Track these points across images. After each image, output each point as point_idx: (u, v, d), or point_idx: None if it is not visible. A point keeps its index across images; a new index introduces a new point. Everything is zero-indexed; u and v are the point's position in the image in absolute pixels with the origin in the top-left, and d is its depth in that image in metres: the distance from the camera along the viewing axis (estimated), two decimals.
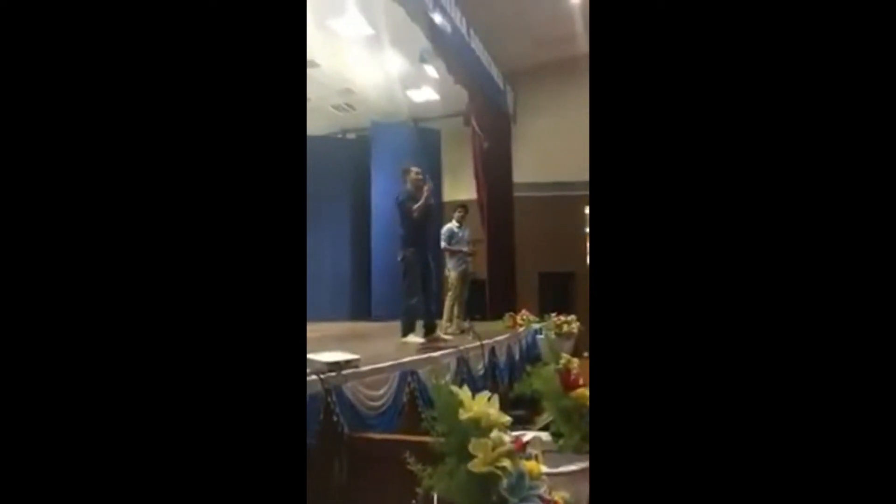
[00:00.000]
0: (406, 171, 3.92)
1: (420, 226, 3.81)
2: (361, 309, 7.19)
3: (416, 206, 3.73)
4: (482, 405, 1.03)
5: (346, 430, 2.15)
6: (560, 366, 1.80)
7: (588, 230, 8.86)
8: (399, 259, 3.82)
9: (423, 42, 5.46)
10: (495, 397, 1.11)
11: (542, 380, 1.69)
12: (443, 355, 3.34)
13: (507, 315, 5.82)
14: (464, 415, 1.00)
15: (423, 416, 1.05)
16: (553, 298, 7.45)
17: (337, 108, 7.64)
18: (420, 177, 3.90)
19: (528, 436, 1.78)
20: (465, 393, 1.05)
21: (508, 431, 1.14)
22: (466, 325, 4.71)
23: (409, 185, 3.86)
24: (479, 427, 1.01)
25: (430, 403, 1.12)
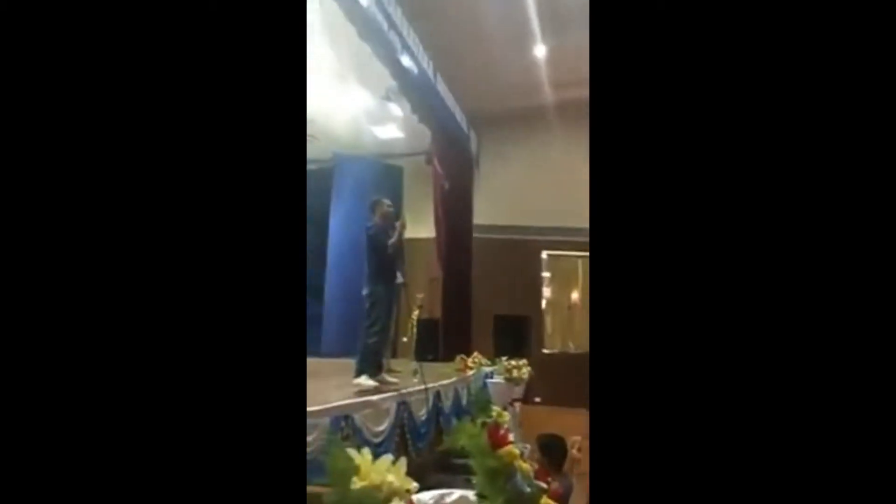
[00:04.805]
0: (377, 203, 3.75)
1: (391, 262, 3.64)
2: (312, 344, 6.91)
3: (390, 241, 3.56)
4: (382, 472, 0.94)
5: None
6: (490, 420, 1.73)
7: (546, 275, 8.95)
8: (365, 294, 3.61)
9: (388, 81, 5.51)
10: (402, 461, 1.02)
11: (467, 436, 1.60)
12: (382, 399, 3.20)
13: (458, 357, 5.71)
14: (357, 483, 0.91)
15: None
16: (507, 341, 7.40)
17: None
18: (391, 210, 3.76)
19: (454, 495, 1.67)
20: (363, 457, 0.96)
21: (419, 497, 1.05)
22: (414, 366, 4.59)
23: (378, 218, 3.69)
24: (377, 496, 0.92)
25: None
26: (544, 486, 1.58)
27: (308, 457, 2.35)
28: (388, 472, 0.96)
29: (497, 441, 1.61)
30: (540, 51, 6.80)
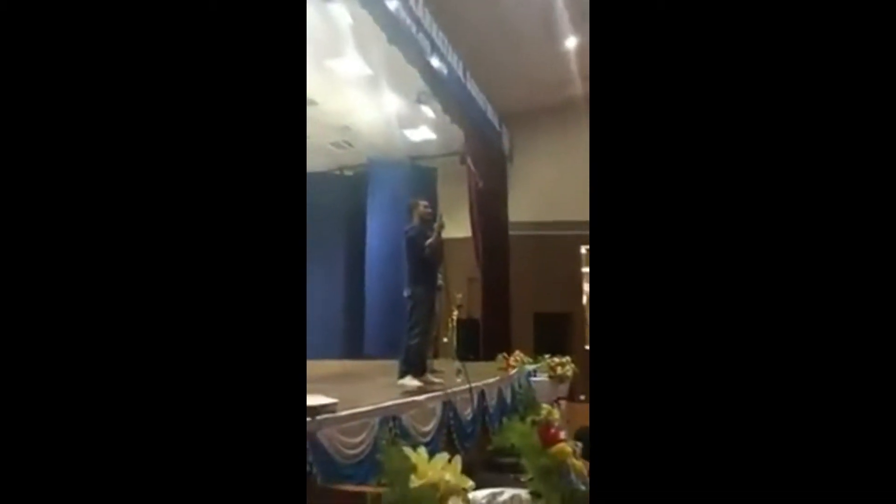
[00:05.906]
0: (415, 206, 3.75)
1: (430, 263, 3.64)
2: (354, 347, 7.05)
3: (428, 241, 3.55)
4: (438, 470, 0.95)
5: (319, 480, 2.04)
6: (540, 418, 1.71)
7: (585, 270, 8.80)
8: (406, 296, 3.63)
9: (420, 84, 5.55)
10: (456, 459, 1.03)
11: (518, 435, 1.59)
12: (428, 399, 3.22)
13: (500, 356, 5.69)
14: (416, 482, 0.92)
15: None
16: (548, 339, 7.32)
17: (335, 145, 7.73)
18: (429, 210, 3.76)
19: (505, 494, 1.67)
20: (419, 456, 0.97)
21: (472, 495, 1.05)
22: (457, 366, 4.59)
23: (417, 220, 3.69)
24: (434, 494, 0.92)
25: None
26: None
27: (360, 457, 2.40)
28: (444, 469, 0.97)
29: (549, 439, 1.60)
30: (570, 43, 6.69)
